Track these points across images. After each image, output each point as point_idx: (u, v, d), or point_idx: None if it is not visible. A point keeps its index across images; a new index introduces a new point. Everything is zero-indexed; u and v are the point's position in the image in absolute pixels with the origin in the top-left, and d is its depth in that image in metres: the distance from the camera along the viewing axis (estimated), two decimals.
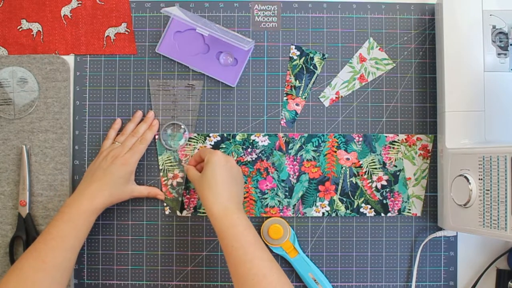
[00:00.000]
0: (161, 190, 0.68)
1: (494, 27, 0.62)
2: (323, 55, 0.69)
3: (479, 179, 0.55)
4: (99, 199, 0.60)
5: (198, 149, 0.67)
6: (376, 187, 0.68)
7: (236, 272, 0.53)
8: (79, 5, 0.69)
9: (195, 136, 0.69)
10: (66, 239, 0.56)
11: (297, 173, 0.68)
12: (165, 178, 0.68)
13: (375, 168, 0.68)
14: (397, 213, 0.68)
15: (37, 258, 0.54)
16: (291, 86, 0.69)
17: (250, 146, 0.68)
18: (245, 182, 0.68)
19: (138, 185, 0.67)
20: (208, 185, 0.58)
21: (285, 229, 0.66)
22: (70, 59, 0.69)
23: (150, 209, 0.68)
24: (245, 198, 0.68)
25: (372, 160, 0.68)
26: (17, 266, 0.54)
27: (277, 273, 0.53)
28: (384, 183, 0.68)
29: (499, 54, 0.62)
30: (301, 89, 0.69)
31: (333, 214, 0.68)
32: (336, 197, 0.68)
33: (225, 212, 0.56)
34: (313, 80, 0.69)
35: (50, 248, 0.55)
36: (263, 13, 0.69)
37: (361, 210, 0.68)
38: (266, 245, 0.66)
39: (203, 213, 0.68)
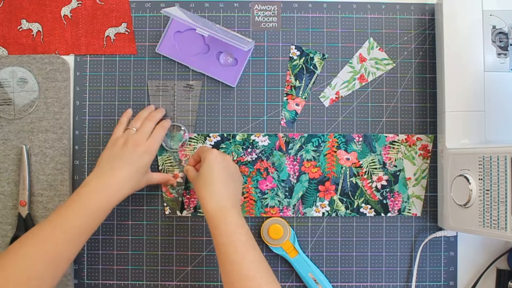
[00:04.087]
0: (161, 190, 0.68)
1: (494, 27, 0.62)
2: (323, 55, 0.69)
3: (479, 179, 0.55)
4: (125, 191, 0.58)
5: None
6: (376, 187, 0.68)
7: (225, 271, 0.53)
8: (79, 5, 0.69)
9: (195, 136, 0.69)
10: (83, 233, 0.54)
11: (297, 173, 0.68)
12: None
13: (375, 168, 0.68)
14: (397, 213, 0.68)
15: (45, 248, 0.52)
16: (291, 86, 0.69)
17: (250, 146, 0.68)
18: (245, 182, 0.68)
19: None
20: (204, 183, 0.58)
21: (285, 229, 0.66)
22: (70, 59, 0.69)
23: (150, 209, 0.68)
24: (245, 198, 0.68)
25: (372, 160, 0.68)
26: (20, 251, 0.51)
27: (266, 275, 0.52)
28: (384, 183, 0.68)
29: (499, 54, 0.62)
30: (301, 89, 0.69)
31: (333, 214, 0.68)
32: (336, 197, 0.68)
33: (220, 209, 0.56)
34: (313, 80, 0.69)
35: (63, 241, 0.53)
36: (263, 13, 0.69)
37: (361, 210, 0.68)
38: (266, 245, 0.66)
39: (203, 213, 0.68)
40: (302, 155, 0.68)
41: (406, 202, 0.68)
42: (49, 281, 0.52)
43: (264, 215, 0.68)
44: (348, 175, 0.68)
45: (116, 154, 0.60)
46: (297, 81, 0.69)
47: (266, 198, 0.68)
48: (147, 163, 0.61)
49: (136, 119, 0.64)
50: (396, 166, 0.68)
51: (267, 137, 0.69)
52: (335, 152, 0.68)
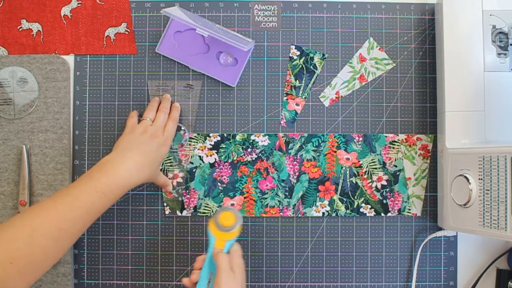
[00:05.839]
0: (161, 190, 0.68)
1: (494, 27, 0.62)
2: (323, 55, 0.69)
3: (479, 179, 0.55)
4: (142, 175, 0.58)
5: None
6: (376, 187, 0.68)
7: None
8: (79, 5, 0.69)
9: (195, 136, 0.69)
10: (92, 212, 0.54)
11: (297, 173, 0.68)
12: None
13: (375, 168, 0.68)
14: (397, 213, 0.68)
15: (54, 223, 0.50)
16: (291, 86, 0.69)
17: (250, 146, 0.68)
18: (245, 182, 0.68)
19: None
20: None
21: (238, 216, 0.58)
22: (70, 59, 0.69)
23: (150, 209, 0.68)
24: (245, 198, 0.68)
25: (372, 160, 0.68)
26: (29, 223, 0.49)
27: None
28: (384, 183, 0.68)
29: (499, 54, 0.62)
30: (301, 89, 0.69)
31: (333, 214, 0.68)
32: (336, 197, 0.68)
33: None
34: (313, 80, 0.69)
35: (72, 218, 0.52)
36: (263, 13, 0.69)
37: (361, 210, 0.68)
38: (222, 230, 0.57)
39: (203, 213, 0.68)
40: (302, 155, 0.68)
41: (406, 202, 0.68)
42: (52, 254, 0.51)
43: (264, 215, 0.68)
44: (348, 175, 0.68)
45: (135, 141, 0.60)
46: (297, 81, 0.69)
47: (266, 198, 0.68)
48: (163, 155, 0.62)
49: (149, 110, 0.65)
50: (396, 166, 0.68)
51: (267, 137, 0.69)
52: (335, 152, 0.68)
